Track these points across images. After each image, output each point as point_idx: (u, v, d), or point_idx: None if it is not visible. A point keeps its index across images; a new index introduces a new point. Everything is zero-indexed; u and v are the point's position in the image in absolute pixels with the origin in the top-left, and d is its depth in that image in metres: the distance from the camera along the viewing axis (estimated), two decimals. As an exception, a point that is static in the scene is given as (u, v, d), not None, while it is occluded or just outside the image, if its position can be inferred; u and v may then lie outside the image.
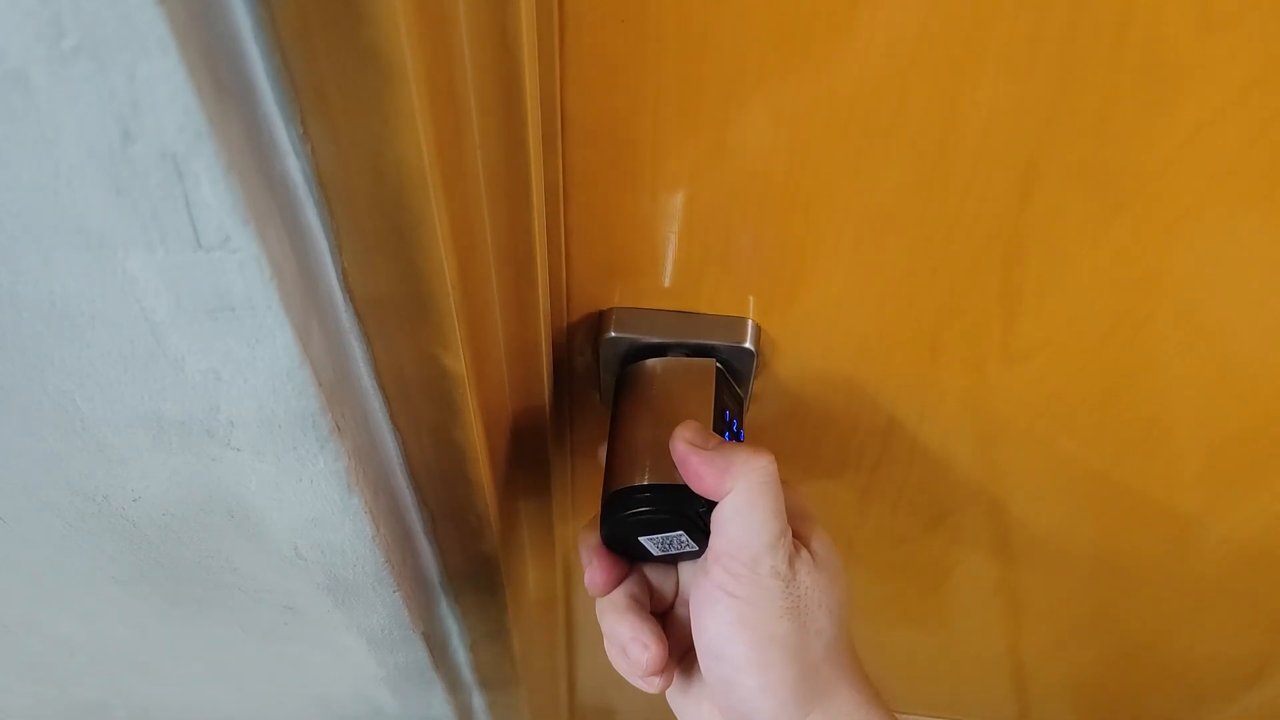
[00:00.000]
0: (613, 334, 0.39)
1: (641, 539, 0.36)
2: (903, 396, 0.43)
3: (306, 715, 0.63)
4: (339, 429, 0.30)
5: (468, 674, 0.60)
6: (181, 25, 0.18)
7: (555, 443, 0.46)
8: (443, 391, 0.32)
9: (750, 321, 0.39)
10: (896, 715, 0.33)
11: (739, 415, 0.39)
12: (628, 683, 0.38)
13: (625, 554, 0.38)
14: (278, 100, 0.22)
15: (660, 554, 0.37)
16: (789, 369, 0.42)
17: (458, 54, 0.24)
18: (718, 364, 0.39)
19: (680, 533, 0.35)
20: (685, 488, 0.34)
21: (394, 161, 0.23)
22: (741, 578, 0.32)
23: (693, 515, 0.35)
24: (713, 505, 0.34)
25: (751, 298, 0.38)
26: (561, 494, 0.56)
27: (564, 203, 0.35)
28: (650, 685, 0.37)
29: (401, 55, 0.21)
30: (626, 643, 0.36)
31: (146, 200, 0.21)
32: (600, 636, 0.38)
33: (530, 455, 0.46)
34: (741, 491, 0.32)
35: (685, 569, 0.39)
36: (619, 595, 0.38)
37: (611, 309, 0.39)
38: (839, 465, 0.48)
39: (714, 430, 0.37)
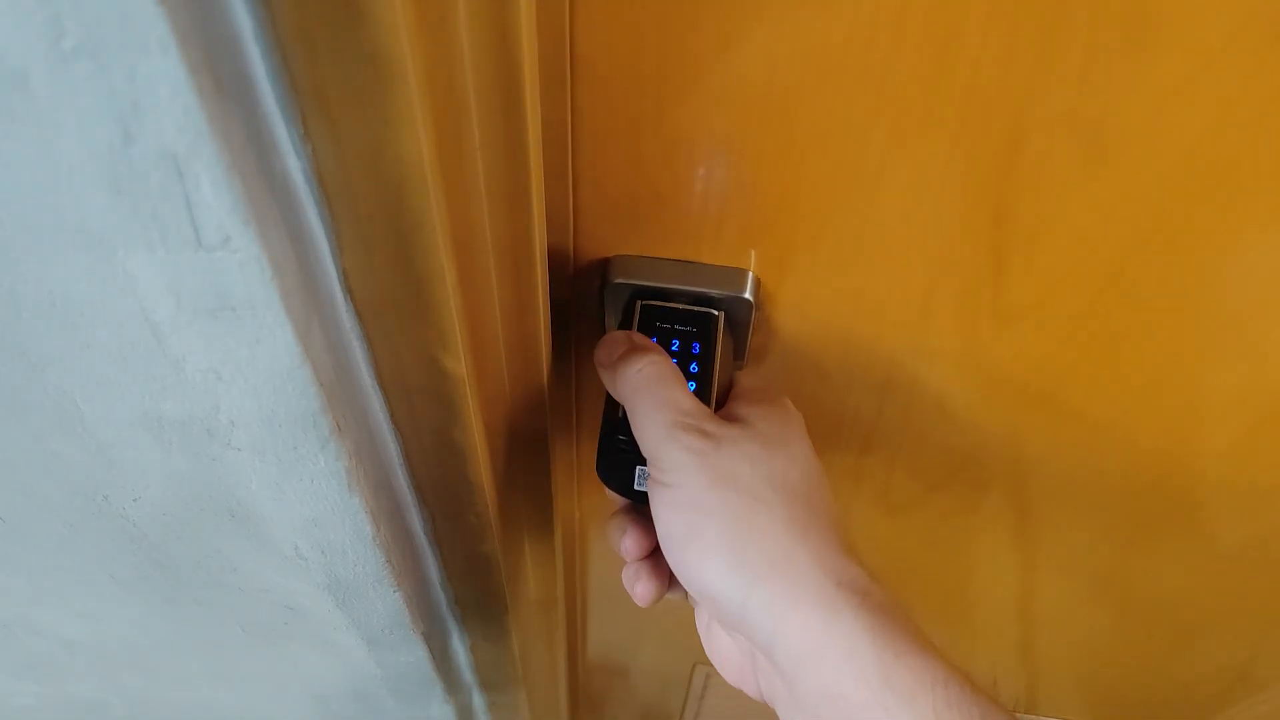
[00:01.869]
0: (616, 280, 0.39)
1: (631, 483, 0.37)
2: (897, 356, 0.43)
3: (306, 714, 0.63)
4: (339, 429, 0.30)
5: (468, 674, 0.60)
6: (181, 25, 0.18)
7: (555, 441, 0.46)
8: (443, 392, 0.32)
9: (750, 274, 0.39)
10: (893, 597, 0.30)
11: (709, 360, 0.39)
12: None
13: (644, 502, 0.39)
14: (278, 100, 0.22)
15: None
16: (787, 325, 0.43)
17: (458, 54, 0.24)
18: (640, 300, 0.39)
19: (627, 463, 0.37)
20: (609, 419, 0.36)
21: (394, 161, 0.23)
22: (663, 469, 0.33)
23: (613, 442, 0.36)
24: (622, 428, 0.35)
25: (753, 251, 0.39)
26: (565, 498, 0.56)
27: (572, 147, 0.35)
28: (636, 580, 0.38)
29: (401, 55, 0.21)
30: (612, 531, 0.38)
31: (147, 200, 0.21)
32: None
33: (530, 455, 0.46)
34: (629, 397, 0.34)
35: None
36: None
37: (615, 256, 0.39)
38: (836, 425, 0.48)
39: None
